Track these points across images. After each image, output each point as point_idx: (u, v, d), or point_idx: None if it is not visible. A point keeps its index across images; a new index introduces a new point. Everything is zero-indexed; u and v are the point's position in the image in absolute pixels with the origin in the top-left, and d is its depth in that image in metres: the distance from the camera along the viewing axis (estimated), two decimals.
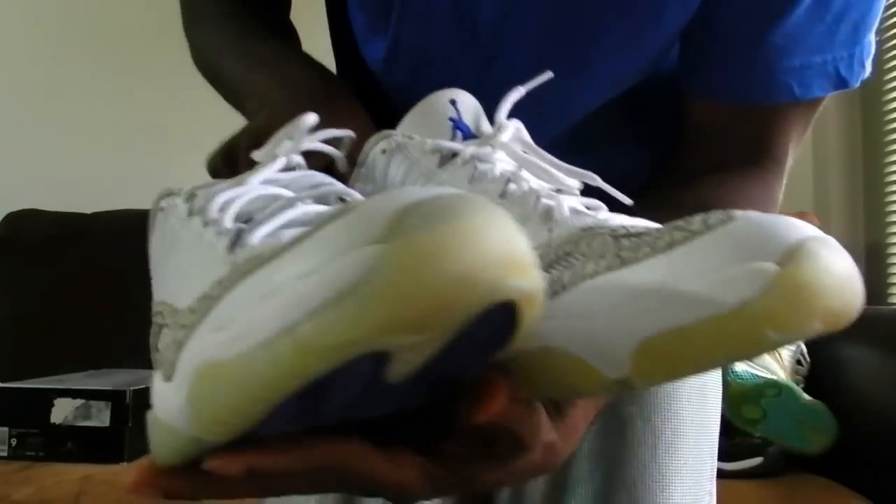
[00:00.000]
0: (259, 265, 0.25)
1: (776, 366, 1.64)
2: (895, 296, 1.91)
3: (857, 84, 0.54)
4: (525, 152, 0.41)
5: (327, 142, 0.43)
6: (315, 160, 0.42)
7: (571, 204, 0.36)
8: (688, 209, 0.51)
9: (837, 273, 0.28)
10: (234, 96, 0.58)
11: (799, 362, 1.67)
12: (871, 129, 1.99)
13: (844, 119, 2.00)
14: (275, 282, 0.24)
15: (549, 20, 0.54)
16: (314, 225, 0.24)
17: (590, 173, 0.41)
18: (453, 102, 0.44)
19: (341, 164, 0.44)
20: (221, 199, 0.34)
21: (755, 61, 0.53)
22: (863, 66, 0.54)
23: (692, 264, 0.28)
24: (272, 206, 0.33)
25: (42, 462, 1.44)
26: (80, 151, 2.15)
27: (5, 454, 1.46)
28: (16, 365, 1.79)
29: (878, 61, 1.88)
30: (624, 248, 0.31)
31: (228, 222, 0.32)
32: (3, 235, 2.00)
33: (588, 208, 0.37)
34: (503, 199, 0.37)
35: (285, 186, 0.36)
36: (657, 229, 0.31)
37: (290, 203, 0.33)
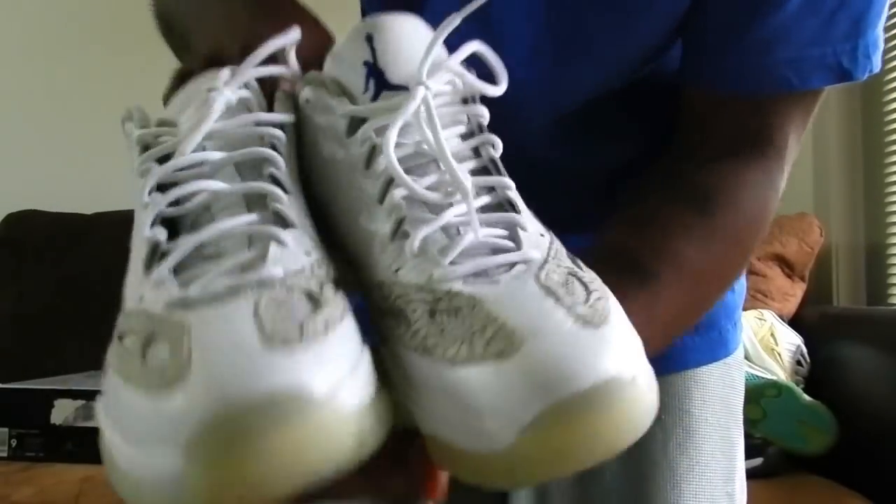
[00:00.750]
0: (139, 378, 0.28)
1: (776, 366, 1.64)
2: (895, 296, 1.90)
3: (864, 77, 0.54)
4: (427, 122, 0.36)
5: (271, 59, 0.40)
6: (266, 83, 0.40)
7: (428, 233, 0.34)
8: (684, 195, 0.53)
9: (583, 435, 0.28)
10: (181, 40, 0.56)
11: (799, 362, 1.67)
12: (871, 129, 1.98)
13: (844, 119, 2.00)
14: (135, 428, 0.28)
15: (544, 4, 0.54)
16: (169, 376, 0.27)
17: (493, 182, 0.37)
18: (370, 39, 0.39)
19: (292, 80, 0.41)
20: (151, 180, 0.36)
21: (749, 52, 0.53)
22: (869, 58, 0.53)
23: (463, 396, 0.29)
24: (189, 220, 0.35)
25: (42, 462, 1.44)
26: (80, 151, 2.14)
27: (5, 454, 1.46)
28: (16, 365, 1.79)
29: None
30: (431, 335, 0.31)
31: (148, 229, 0.34)
32: (3, 235, 2.00)
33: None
34: (381, 204, 0.36)
35: (220, 149, 0.36)
36: (468, 318, 0.31)
37: (202, 219, 0.35)
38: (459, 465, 0.32)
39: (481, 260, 0.33)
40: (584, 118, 0.59)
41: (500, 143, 0.39)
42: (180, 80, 0.45)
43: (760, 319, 1.71)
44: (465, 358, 0.29)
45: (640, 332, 0.44)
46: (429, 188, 0.35)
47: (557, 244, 0.37)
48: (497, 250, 0.34)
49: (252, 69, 0.38)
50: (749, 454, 1.45)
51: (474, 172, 0.37)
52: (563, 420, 0.27)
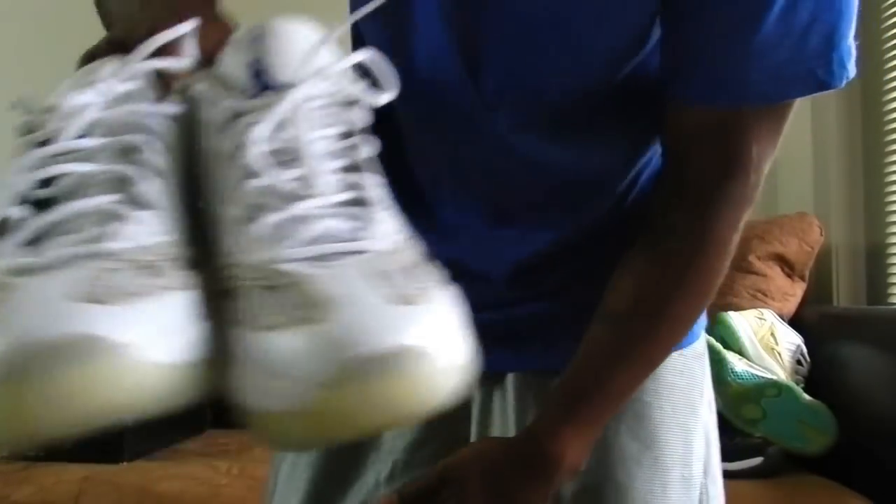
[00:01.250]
0: None
1: (776, 366, 1.64)
2: (895, 296, 1.91)
3: (842, 84, 0.55)
4: (296, 122, 0.39)
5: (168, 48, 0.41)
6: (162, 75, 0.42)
7: (275, 220, 0.36)
8: (661, 245, 0.59)
9: (372, 396, 0.30)
10: (105, 19, 0.56)
11: (799, 362, 1.67)
12: (871, 129, 1.98)
13: (844, 119, 2.00)
14: None
15: None
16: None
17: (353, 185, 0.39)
18: (260, 39, 0.41)
19: (187, 72, 0.42)
20: (21, 163, 0.37)
21: (727, 69, 0.54)
22: (844, 67, 0.54)
23: (270, 358, 0.32)
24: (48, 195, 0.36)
25: (42, 462, 1.44)
26: None
27: (5, 454, 1.46)
28: None
29: (878, 61, 1.88)
30: (254, 309, 0.33)
31: (5, 207, 0.35)
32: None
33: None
34: (237, 191, 0.38)
35: (101, 136, 0.37)
36: (291, 293, 0.33)
37: (68, 200, 0.36)
38: (263, 428, 0.33)
39: (319, 246, 0.35)
40: (564, 110, 0.60)
41: (376, 144, 0.42)
42: (87, 61, 0.46)
43: (760, 319, 1.71)
44: (276, 325, 0.32)
45: (609, 364, 0.59)
46: (288, 181, 0.37)
47: (411, 245, 0.39)
48: (339, 240, 0.36)
49: (139, 63, 0.39)
50: (749, 454, 1.46)
51: (343, 169, 0.40)
52: (354, 380, 0.30)
